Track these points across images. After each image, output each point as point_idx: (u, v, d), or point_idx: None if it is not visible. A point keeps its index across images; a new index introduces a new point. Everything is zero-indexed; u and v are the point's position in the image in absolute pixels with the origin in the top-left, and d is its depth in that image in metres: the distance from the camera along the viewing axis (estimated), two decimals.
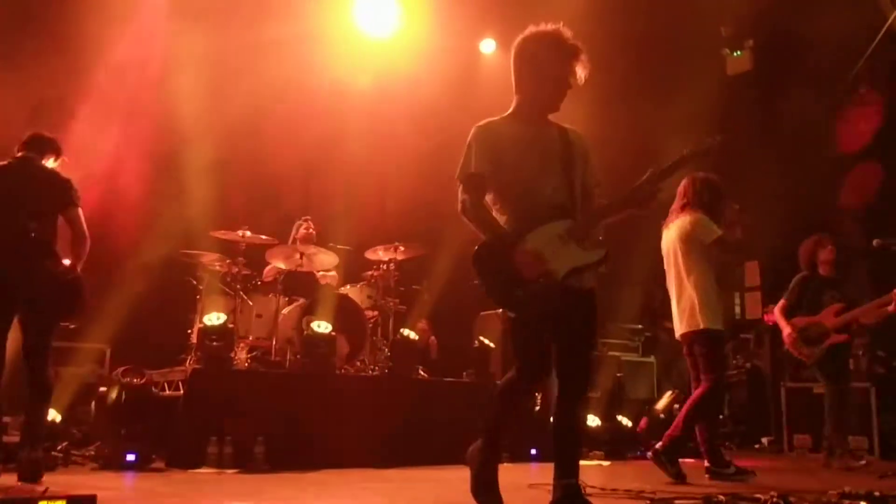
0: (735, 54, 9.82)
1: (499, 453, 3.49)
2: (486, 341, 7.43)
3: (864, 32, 7.94)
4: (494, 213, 3.35)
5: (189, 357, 6.38)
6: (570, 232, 3.23)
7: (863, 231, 8.22)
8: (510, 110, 3.48)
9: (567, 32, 3.36)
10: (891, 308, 6.24)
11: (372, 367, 6.91)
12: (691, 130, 9.17)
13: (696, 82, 9.64)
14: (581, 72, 3.36)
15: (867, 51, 7.94)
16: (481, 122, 3.41)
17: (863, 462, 6.35)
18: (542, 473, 4.38)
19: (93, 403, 5.84)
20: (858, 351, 8.01)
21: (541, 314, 3.21)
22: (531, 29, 3.40)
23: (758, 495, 3.86)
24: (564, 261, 3.19)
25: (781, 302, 6.66)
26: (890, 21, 7.56)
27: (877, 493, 3.76)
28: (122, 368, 5.63)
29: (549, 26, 3.38)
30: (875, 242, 6.67)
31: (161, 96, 7.67)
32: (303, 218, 7.59)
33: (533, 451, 6.65)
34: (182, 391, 5.77)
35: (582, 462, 6.71)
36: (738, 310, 11.17)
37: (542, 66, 3.35)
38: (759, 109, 9.79)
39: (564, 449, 3.34)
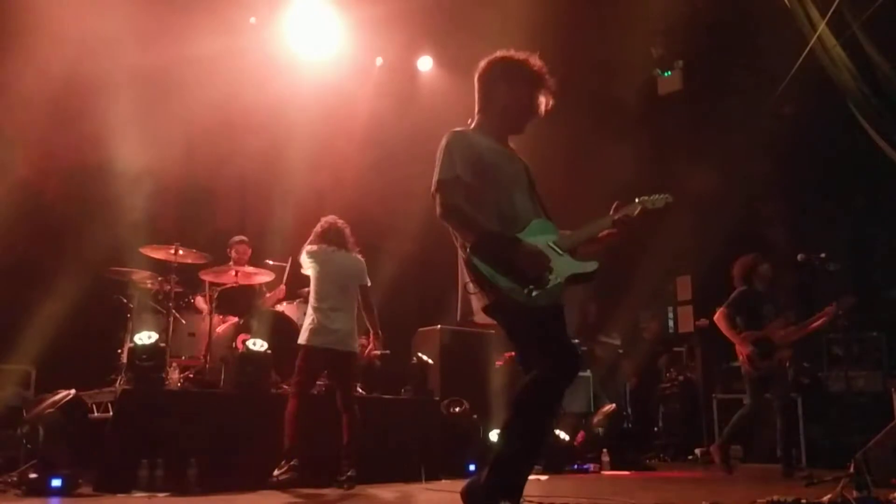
0: (665, 74, 10.09)
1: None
2: (425, 357, 7.41)
3: (788, 53, 8.24)
4: None
5: (119, 377, 6.19)
6: (557, 243, 3.23)
7: (790, 245, 8.49)
8: (473, 126, 3.47)
9: (537, 61, 3.40)
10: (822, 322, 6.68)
11: None
12: (625, 148, 9.40)
13: (629, 101, 9.90)
14: (546, 101, 3.41)
15: (791, 71, 8.23)
16: (456, 129, 3.35)
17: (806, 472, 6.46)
18: None
19: (19, 428, 5.60)
20: (784, 362, 8.26)
21: (551, 307, 3.15)
22: (501, 53, 3.43)
23: None
24: (564, 267, 3.19)
25: (724, 310, 6.85)
26: (811, 43, 7.85)
27: (803, 501, 3.88)
28: (64, 393, 5.44)
29: (520, 53, 3.42)
30: (799, 257, 6.94)
31: (92, 110, 7.47)
32: (238, 239, 7.49)
33: (472, 468, 6.64)
34: (111, 412, 5.59)
35: None
36: (671, 323, 11.42)
37: (509, 90, 3.39)
38: (690, 127, 10.07)
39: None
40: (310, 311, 5.82)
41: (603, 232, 3.45)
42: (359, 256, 6.05)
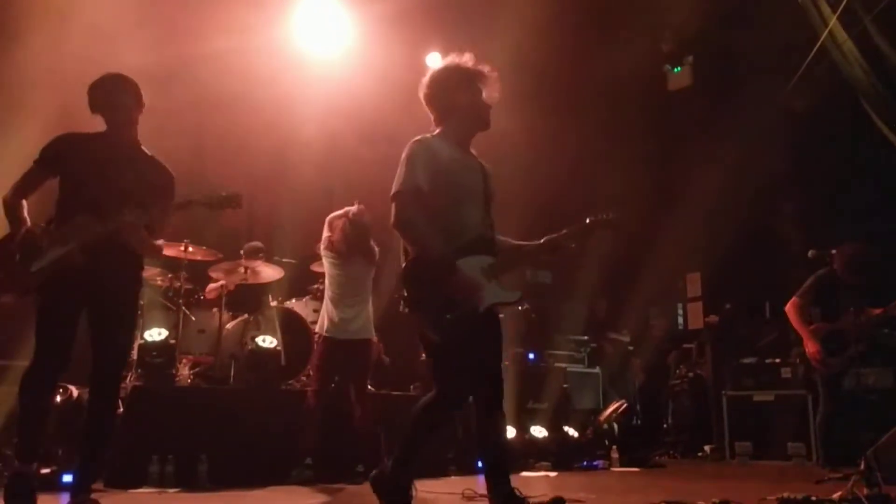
0: (675, 70, 10.06)
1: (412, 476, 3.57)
2: None
3: (800, 48, 8.20)
4: None
5: (129, 374, 6.22)
6: (492, 268, 3.40)
7: (801, 242, 8.46)
8: (437, 133, 3.61)
9: (466, 59, 3.60)
10: None
11: None
12: (634, 144, 9.37)
13: (639, 97, 9.86)
14: (492, 91, 3.59)
15: (802, 65, 8.19)
16: (419, 138, 3.50)
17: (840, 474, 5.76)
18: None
19: None
20: (795, 359, 8.22)
21: (462, 337, 3.28)
22: (435, 66, 3.66)
23: (700, 502, 3.93)
24: (489, 296, 3.37)
25: (796, 300, 6.30)
26: (823, 38, 7.81)
27: (813, 498, 3.87)
28: (70, 388, 5.48)
29: (450, 59, 3.62)
30: (810, 253, 6.86)
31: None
32: (252, 245, 7.49)
33: (480, 464, 6.64)
34: (122, 409, 5.62)
35: (529, 473, 6.80)
36: (680, 320, 11.40)
37: (455, 97, 3.56)
38: (700, 123, 10.04)
39: (502, 458, 3.49)
40: (328, 303, 5.88)
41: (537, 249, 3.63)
42: (374, 248, 6.09)
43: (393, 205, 3.39)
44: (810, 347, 6.19)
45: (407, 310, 3.38)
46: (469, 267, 3.33)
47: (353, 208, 6.03)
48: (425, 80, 3.63)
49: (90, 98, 4.04)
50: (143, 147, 4.15)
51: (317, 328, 5.95)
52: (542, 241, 3.60)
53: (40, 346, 3.82)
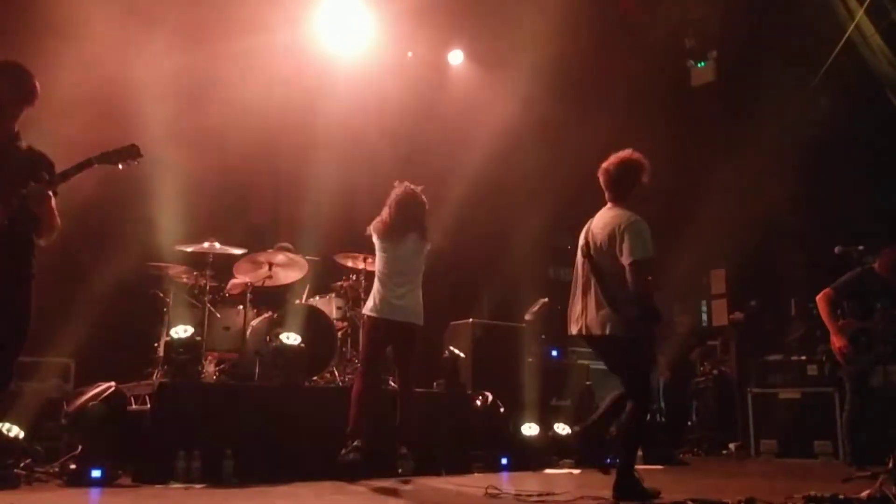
0: (699, 65, 9.99)
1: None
2: (457, 351, 7.42)
3: (825, 42, 8.11)
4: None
5: (156, 370, 6.30)
6: None
7: (827, 238, 8.36)
8: (620, 206, 4.56)
9: (639, 155, 4.65)
10: None
11: (341, 378, 6.87)
12: (657, 140, 9.30)
13: (661, 92, 9.80)
14: (648, 178, 4.65)
15: (828, 61, 8.09)
16: (637, 217, 4.45)
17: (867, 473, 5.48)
18: (510, 481, 4.39)
19: (62, 419, 5.73)
20: (822, 357, 8.13)
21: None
22: (621, 155, 4.64)
23: (726, 500, 3.92)
24: None
25: (829, 292, 6.24)
26: (849, 31, 7.72)
27: (841, 497, 3.83)
28: (105, 385, 5.55)
29: (629, 153, 4.63)
30: (837, 250, 6.79)
31: (128, 108, 7.58)
32: (282, 245, 7.53)
33: (504, 461, 6.67)
34: (149, 405, 5.69)
35: (552, 470, 6.79)
36: (704, 317, 11.32)
37: (635, 183, 4.61)
38: (723, 119, 9.95)
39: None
40: (375, 283, 5.82)
41: None
42: (426, 226, 5.95)
43: (636, 270, 4.28)
44: (838, 342, 6.13)
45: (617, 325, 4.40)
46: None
47: (400, 187, 5.90)
48: (613, 163, 4.62)
49: None
50: (21, 140, 3.83)
51: (363, 310, 5.91)
52: None
53: None
